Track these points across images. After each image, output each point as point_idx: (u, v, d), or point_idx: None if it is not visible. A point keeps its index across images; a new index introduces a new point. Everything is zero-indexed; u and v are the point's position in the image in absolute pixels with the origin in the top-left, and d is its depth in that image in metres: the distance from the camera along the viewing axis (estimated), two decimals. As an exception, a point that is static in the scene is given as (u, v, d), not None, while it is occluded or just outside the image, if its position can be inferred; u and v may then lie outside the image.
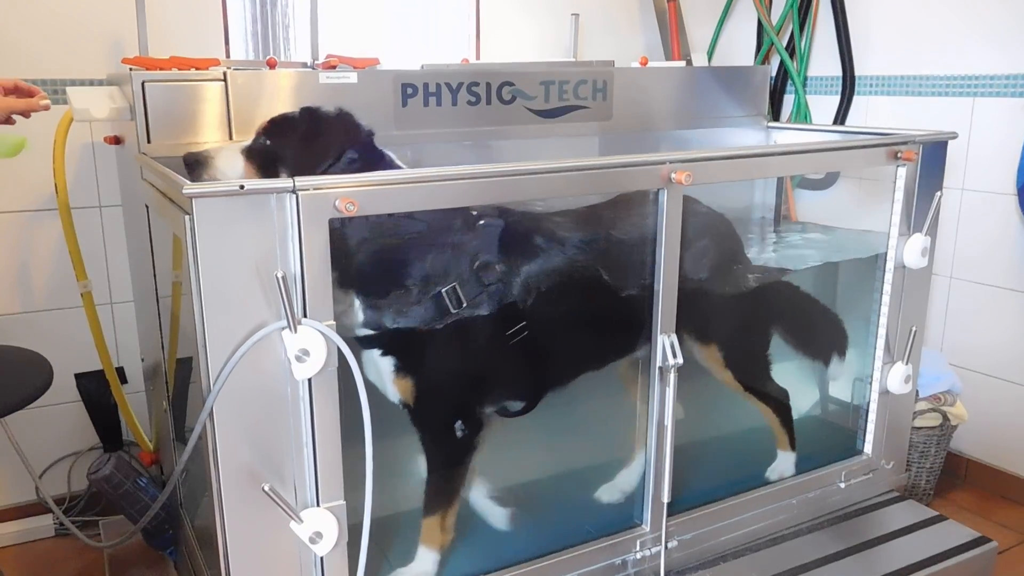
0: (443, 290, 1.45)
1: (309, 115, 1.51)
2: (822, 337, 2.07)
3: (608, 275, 1.64)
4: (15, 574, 2.18)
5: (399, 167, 1.50)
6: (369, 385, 1.39)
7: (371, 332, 1.47)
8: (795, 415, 2.03)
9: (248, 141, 1.51)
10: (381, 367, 1.50)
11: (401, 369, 1.50)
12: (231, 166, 1.46)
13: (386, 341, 1.48)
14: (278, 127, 1.50)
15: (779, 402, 1.97)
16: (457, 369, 1.57)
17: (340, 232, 1.32)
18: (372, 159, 1.47)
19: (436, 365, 1.53)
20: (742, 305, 1.90)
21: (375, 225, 1.41)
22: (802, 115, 2.87)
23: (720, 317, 1.86)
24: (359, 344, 1.48)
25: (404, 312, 1.46)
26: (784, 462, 1.97)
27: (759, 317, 1.96)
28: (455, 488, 1.60)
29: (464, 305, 1.47)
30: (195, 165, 1.47)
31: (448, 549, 1.60)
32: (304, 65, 2.14)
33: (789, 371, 2.05)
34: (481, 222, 1.52)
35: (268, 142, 1.48)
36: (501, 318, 1.52)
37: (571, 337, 1.67)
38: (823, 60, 2.83)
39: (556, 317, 1.62)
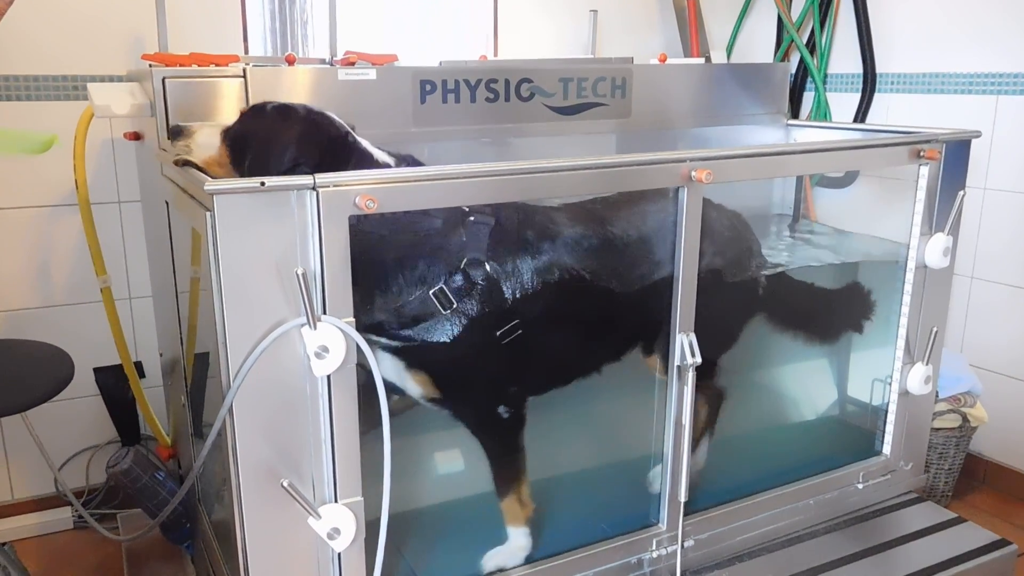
0: (432, 291, 1.46)
1: (278, 111, 1.48)
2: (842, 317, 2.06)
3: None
4: (34, 566, 2.20)
5: (378, 162, 1.48)
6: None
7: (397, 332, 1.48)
8: (814, 415, 2.01)
9: (231, 122, 1.50)
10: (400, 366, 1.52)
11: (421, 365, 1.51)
12: (209, 142, 1.47)
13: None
14: (253, 114, 1.49)
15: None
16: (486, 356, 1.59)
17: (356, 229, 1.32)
18: (344, 158, 1.44)
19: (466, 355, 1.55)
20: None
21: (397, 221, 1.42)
22: (822, 113, 2.85)
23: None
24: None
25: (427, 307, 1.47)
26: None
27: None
28: (518, 464, 1.63)
29: (455, 305, 1.47)
30: (177, 133, 1.50)
31: (533, 520, 1.64)
32: (323, 61, 2.15)
33: (807, 371, 2.04)
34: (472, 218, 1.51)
35: (241, 127, 1.48)
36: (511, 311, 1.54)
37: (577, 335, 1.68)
38: (844, 57, 2.81)
39: (566, 314, 1.63)
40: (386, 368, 1.52)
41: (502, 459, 1.64)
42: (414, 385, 1.55)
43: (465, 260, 1.48)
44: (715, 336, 1.76)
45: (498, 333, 1.52)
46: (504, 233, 1.52)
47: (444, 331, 1.49)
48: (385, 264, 1.44)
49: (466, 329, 1.50)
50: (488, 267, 1.50)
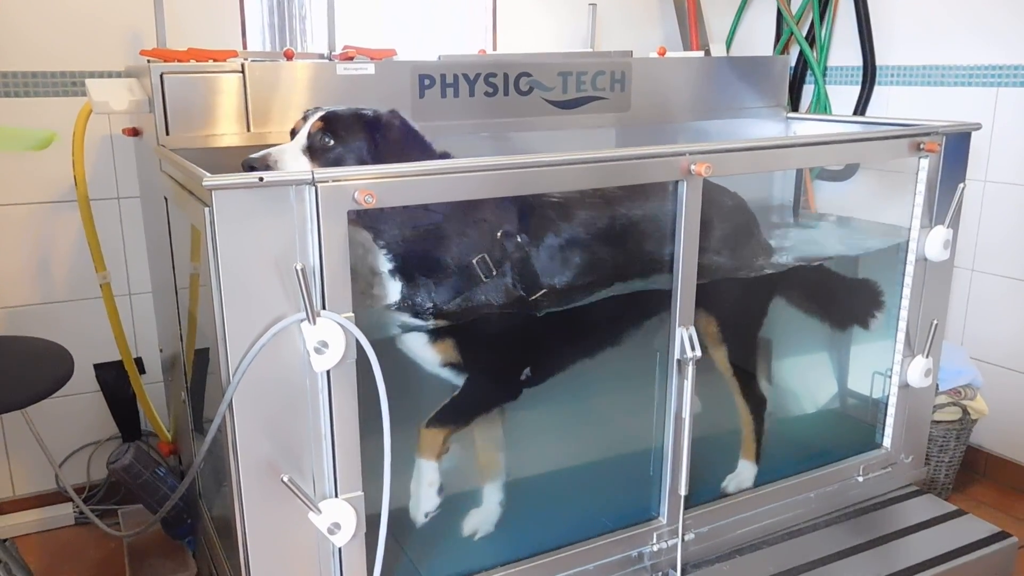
0: (474, 260, 1.51)
1: (404, 123, 1.52)
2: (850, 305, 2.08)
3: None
4: (36, 562, 2.21)
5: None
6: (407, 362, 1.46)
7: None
8: (813, 408, 2.01)
9: (302, 140, 1.47)
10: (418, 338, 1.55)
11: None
12: (299, 168, 1.43)
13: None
14: (343, 124, 1.48)
15: (757, 406, 1.91)
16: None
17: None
18: None
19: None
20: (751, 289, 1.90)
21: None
22: (822, 106, 2.85)
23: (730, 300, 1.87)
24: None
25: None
26: (745, 472, 1.89)
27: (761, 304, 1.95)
28: (476, 412, 1.64)
29: (494, 274, 1.51)
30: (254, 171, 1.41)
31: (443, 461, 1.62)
32: (321, 56, 2.14)
33: (808, 364, 2.03)
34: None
35: (331, 141, 1.46)
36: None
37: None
38: (843, 50, 2.80)
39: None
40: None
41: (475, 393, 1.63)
42: (434, 353, 1.57)
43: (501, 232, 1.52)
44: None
45: (531, 298, 1.55)
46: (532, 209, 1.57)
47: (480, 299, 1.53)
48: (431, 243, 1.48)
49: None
50: (520, 239, 1.53)
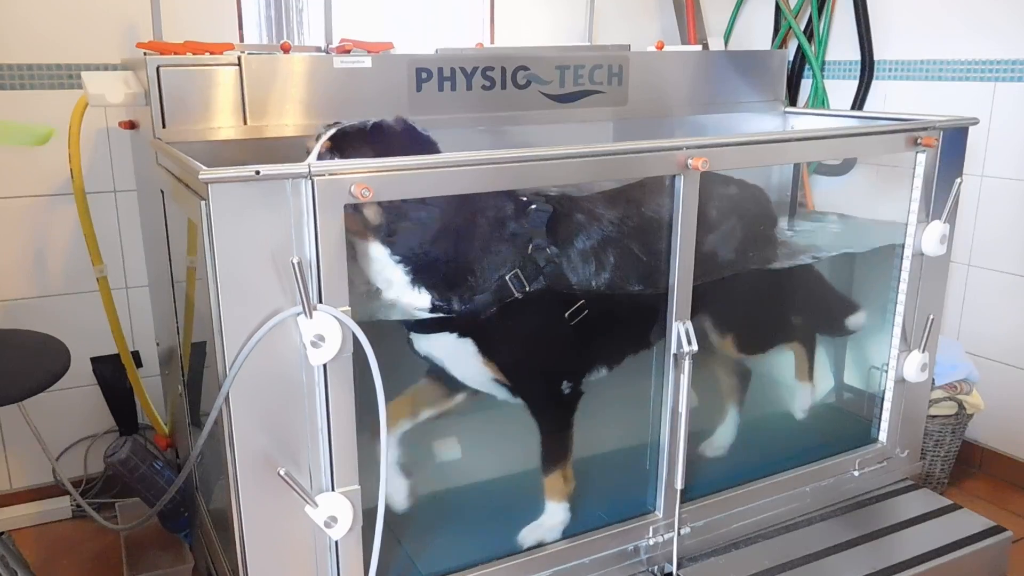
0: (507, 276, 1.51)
1: (411, 128, 1.52)
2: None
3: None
4: (33, 555, 2.21)
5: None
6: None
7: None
8: (810, 403, 2.01)
9: (312, 159, 1.46)
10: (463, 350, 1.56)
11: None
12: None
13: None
14: (349, 140, 1.48)
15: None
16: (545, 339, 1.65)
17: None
18: None
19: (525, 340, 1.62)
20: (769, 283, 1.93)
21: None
22: (820, 100, 2.84)
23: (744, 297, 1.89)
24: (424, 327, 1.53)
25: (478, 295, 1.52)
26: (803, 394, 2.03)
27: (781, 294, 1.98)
28: (569, 440, 1.67)
29: (527, 289, 1.52)
30: None
31: (572, 496, 1.67)
32: (318, 49, 2.14)
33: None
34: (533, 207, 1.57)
35: (339, 158, 1.46)
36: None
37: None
38: (841, 44, 2.80)
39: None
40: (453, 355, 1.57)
41: (555, 436, 1.67)
42: (482, 367, 1.58)
43: (532, 245, 1.53)
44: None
45: (567, 314, 1.56)
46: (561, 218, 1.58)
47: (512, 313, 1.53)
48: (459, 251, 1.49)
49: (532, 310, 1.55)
50: (550, 251, 1.54)
